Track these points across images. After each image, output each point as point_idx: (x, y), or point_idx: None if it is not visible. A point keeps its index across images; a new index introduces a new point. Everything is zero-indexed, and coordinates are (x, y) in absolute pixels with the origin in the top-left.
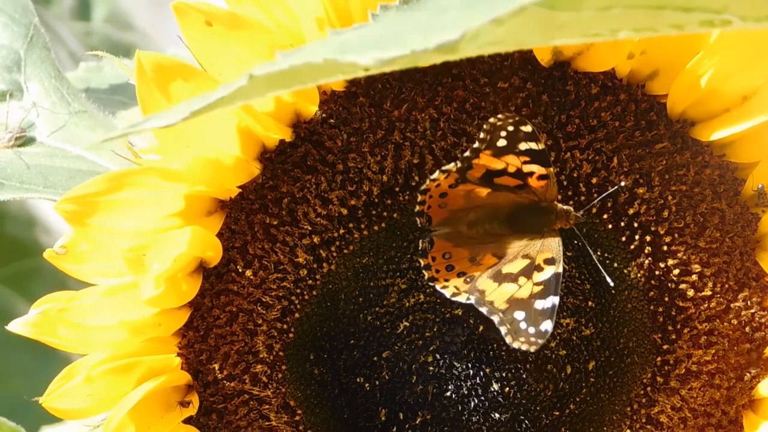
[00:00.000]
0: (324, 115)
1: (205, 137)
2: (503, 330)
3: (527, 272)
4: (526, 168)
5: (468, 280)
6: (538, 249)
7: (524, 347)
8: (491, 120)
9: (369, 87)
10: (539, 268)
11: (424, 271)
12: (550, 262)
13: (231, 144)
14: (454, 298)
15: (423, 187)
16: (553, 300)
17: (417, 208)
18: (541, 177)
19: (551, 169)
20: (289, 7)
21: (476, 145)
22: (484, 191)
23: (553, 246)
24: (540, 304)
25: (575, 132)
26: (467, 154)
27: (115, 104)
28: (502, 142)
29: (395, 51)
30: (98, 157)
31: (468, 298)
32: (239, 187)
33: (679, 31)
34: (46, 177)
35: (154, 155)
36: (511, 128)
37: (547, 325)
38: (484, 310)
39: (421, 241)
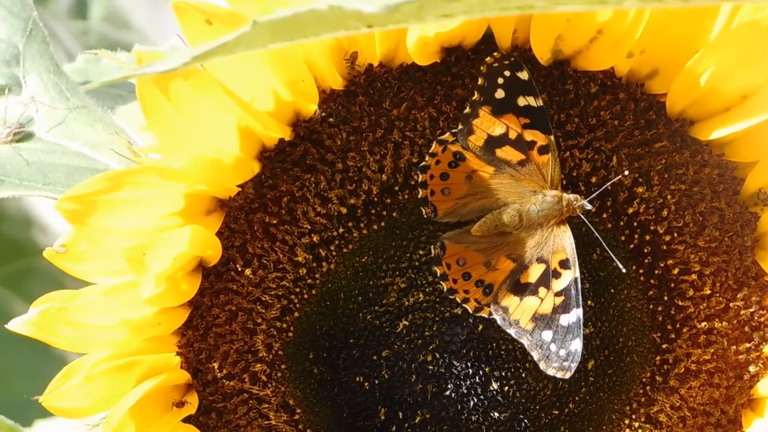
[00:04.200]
0: (323, 113)
1: (205, 136)
2: (535, 355)
3: (545, 280)
4: (527, 135)
5: (487, 290)
6: (551, 249)
7: (559, 375)
8: (487, 59)
9: (368, 86)
10: (556, 274)
11: (441, 283)
12: (565, 265)
13: (231, 143)
14: (477, 314)
15: (422, 164)
16: (577, 313)
17: (420, 193)
18: (543, 150)
19: (551, 136)
20: (289, 5)
21: (475, 96)
22: (486, 174)
23: (565, 243)
24: (565, 320)
25: (574, 131)
26: (467, 110)
27: (114, 98)
28: (500, 93)
29: None
30: (97, 154)
31: (491, 314)
32: (239, 186)
33: (684, 3)
34: (45, 174)
35: (154, 154)
36: (507, 73)
37: (577, 345)
38: (512, 332)
39: (432, 246)
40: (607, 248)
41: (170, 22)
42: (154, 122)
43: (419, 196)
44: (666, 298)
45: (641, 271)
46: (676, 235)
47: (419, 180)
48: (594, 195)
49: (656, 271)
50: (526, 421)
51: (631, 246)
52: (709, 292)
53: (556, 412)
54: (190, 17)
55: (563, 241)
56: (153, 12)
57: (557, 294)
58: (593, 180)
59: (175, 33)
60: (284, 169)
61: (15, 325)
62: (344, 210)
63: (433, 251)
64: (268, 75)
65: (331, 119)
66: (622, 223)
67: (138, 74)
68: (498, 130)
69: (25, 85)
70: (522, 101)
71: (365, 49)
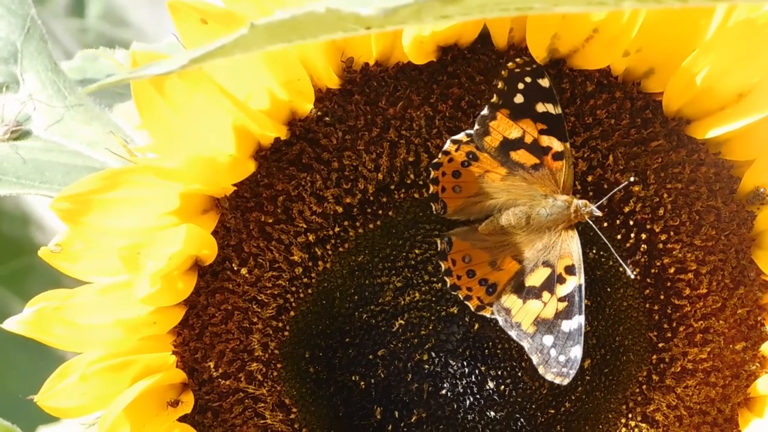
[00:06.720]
0: (319, 113)
1: (200, 135)
2: (535, 359)
3: (550, 285)
4: (543, 141)
5: (490, 290)
6: (558, 253)
7: (557, 380)
8: (509, 65)
9: (364, 85)
10: (561, 280)
11: (445, 278)
12: (570, 271)
13: (226, 142)
14: (479, 313)
15: (435, 161)
16: (579, 320)
17: (431, 188)
18: (557, 157)
19: (567, 144)
20: (285, 6)
21: (494, 99)
22: (498, 174)
23: (572, 249)
24: (567, 326)
25: (571, 129)
26: (485, 112)
27: (112, 96)
28: (519, 98)
29: (399, 1)
30: (94, 152)
31: (492, 314)
32: (234, 185)
33: (682, 4)
34: (42, 172)
35: (149, 153)
36: (528, 79)
37: (576, 352)
38: (513, 333)
39: (439, 241)
40: (619, 259)
41: (168, 19)
42: (149, 121)
43: (430, 191)
44: (662, 296)
45: (637, 270)
46: (672, 234)
47: (431, 176)
48: (603, 200)
49: (652, 270)
50: (522, 420)
51: (628, 245)
52: (705, 290)
53: (553, 411)
54: (185, 16)
55: (570, 247)
56: (150, 9)
57: (561, 299)
58: (589, 179)
59: (172, 32)
60: (280, 168)
61: (10, 325)
62: (340, 209)
63: (439, 245)
64: (264, 74)
65: (327, 118)
66: (618, 222)
67: (134, 77)
68: (514, 133)
69: (22, 83)
70: (541, 107)
71: (361, 48)
